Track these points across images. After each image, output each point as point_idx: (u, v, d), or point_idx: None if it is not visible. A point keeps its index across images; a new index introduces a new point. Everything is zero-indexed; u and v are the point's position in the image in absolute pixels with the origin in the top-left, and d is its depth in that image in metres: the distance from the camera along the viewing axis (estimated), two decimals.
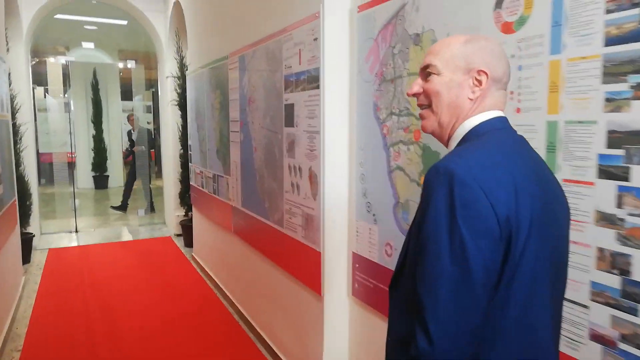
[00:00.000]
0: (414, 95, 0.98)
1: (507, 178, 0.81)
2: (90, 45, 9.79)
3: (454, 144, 0.95)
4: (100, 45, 9.60)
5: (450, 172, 0.80)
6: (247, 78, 3.06)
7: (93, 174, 10.31)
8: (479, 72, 0.91)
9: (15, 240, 3.90)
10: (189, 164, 4.86)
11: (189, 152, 4.85)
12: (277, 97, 2.59)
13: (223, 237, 3.89)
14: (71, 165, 7.92)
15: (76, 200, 6.80)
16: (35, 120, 8.46)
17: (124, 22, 7.31)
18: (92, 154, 10.23)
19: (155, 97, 11.68)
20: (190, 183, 4.86)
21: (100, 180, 10.34)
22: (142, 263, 4.90)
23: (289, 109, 2.46)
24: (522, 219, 0.80)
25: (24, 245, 4.67)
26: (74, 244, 5.75)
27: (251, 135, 3.02)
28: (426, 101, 0.96)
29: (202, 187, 4.33)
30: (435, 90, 0.94)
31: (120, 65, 10.67)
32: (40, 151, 8.08)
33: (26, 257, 4.81)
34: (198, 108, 4.33)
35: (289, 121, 2.46)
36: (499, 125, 0.92)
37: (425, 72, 0.96)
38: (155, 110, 11.09)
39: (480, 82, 0.91)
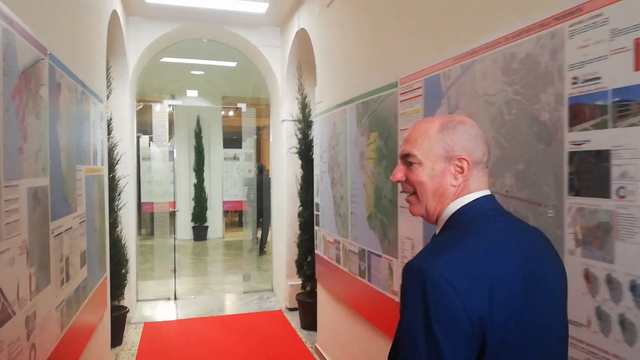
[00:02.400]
0: (397, 181, 1.00)
1: (483, 275, 0.82)
2: (194, 93, 9.50)
3: (440, 224, 0.97)
4: (204, 92, 9.22)
5: (423, 272, 0.82)
6: (445, 109, 1.92)
7: (192, 224, 9.78)
8: (460, 159, 0.94)
9: (103, 325, 3.00)
10: (315, 227, 3.79)
11: (315, 212, 3.78)
12: (543, 138, 1.40)
13: (374, 342, 2.68)
14: (172, 215, 7.32)
15: (176, 256, 6.05)
16: (139, 170, 8.14)
17: (233, 64, 6.69)
18: (193, 204, 9.72)
19: (259, 145, 11.14)
20: (316, 252, 3.77)
21: (200, 231, 9.77)
22: (252, 351, 3.82)
23: (589, 160, 1.25)
24: (497, 316, 0.81)
25: (117, 322, 3.81)
26: (172, 316, 4.86)
27: None
28: (411, 189, 0.98)
29: (338, 263, 3.20)
30: (419, 180, 0.96)
31: (223, 112, 10.31)
32: (142, 201, 7.67)
33: (118, 337, 3.94)
34: (334, 157, 3.27)
35: (591, 185, 1.24)
36: (485, 206, 0.94)
37: (406, 161, 0.97)
38: (258, 158, 10.45)
39: (462, 168, 0.94)
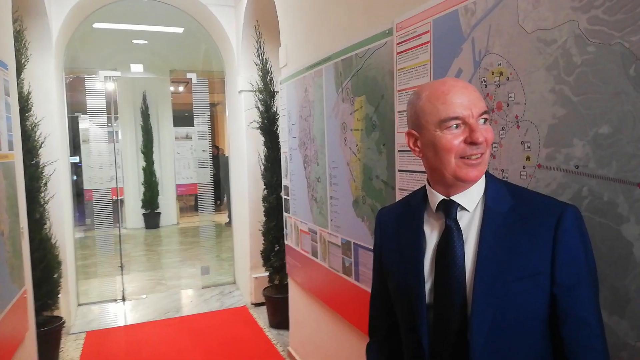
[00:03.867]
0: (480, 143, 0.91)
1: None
2: (139, 67, 8.58)
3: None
4: (149, 65, 8.34)
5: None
6: (469, 57, 1.42)
7: (143, 211, 8.99)
8: None
9: (25, 349, 2.39)
10: (284, 213, 3.26)
11: (284, 196, 3.25)
12: None
13: (360, 349, 2.22)
14: (118, 202, 6.56)
15: (124, 249, 5.36)
16: (79, 155, 7.26)
17: (180, 30, 5.93)
18: (143, 189, 8.92)
19: (214, 122, 10.39)
20: (286, 243, 3.25)
21: (151, 218, 9.00)
22: (215, 355, 3.29)
23: None
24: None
25: (49, 339, 3.18)
26: (120, 320, 4.24)
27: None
28: (483, 149, 0.93)
29: (314, 257, 2.70)
30: (492, 138, 0.94)
31: (172, 88, 9.45)
32: (85, 188, 6.86)
33: (52, 355, 3.30)
34: (306, 131, 2.73)
35: None
36: None
37: (482, 119, 0.92)
38: (213, 137, 9.77)
39: None
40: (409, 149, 1.72)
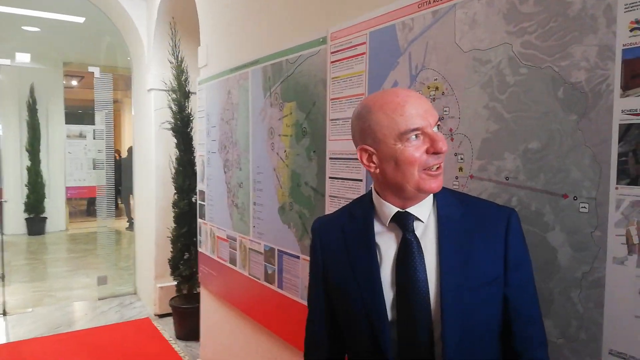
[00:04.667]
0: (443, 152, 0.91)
1: None
2: (26, 57, 7.72)
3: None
4: (40, 55, 7.56)
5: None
6: (405, 71, 1.47)
7: (26, 215, 8.07)
8: None
9: None
10: (198, 220, 3.12)
11: (199, 201, 3.11)
12: (574, 106, 1.04)
13: (280, 357, 2.19)
14: None
15: (4, 257, 4.76)
16: None
17: (81, 20, 5.46)
18: (26, 191, 8.01)
19: (117, 120, 9.70)
20: (199, 250, 3.11)
21: (36, 223, 8.12)
22: None
23: None
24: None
25: None
26: (2, 338, 3.74)
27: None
28: (442, 159, 0.92)
29: (233, 265, 2.61)
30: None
31: (65, 81, 8.65)
32: None
33: None
34: (228, 134, 2.65)
35: None
36: None
37: (435, 126, 0.91)
38: (114, 137, 9.11)
39: None
40: (340, 157, 1.76)
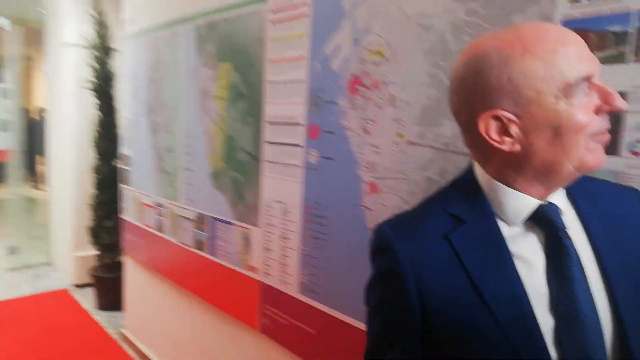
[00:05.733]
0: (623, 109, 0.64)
1: None
2: None
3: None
4: None
5: None
6: (347, 34, 1.45)
7: None
8: None
9: None
10: (122, 185, 2.94)
11: (123, 166, 2.93)
12: None
13: (212, 325, 2.16)
14: None
15: None
16: None
17: None
18: None
19: (27, 78, 8.80)
20: (123, 217, 2.95)
21: None
22: (31, 347, 2.84)
23: None
24: None
25: None
26: None
27: (355, 157, 1.42)
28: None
29: (160, 232, 2.50)
30: None
31: None
32: None
33: None
34: (156, 95, 2.49)
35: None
36: None
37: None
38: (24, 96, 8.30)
39: None
40: (278, 121, 1.69)
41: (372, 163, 1.39)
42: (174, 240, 2.39)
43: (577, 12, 0.96)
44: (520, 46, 0.61)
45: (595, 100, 0.61)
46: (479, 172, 0.71)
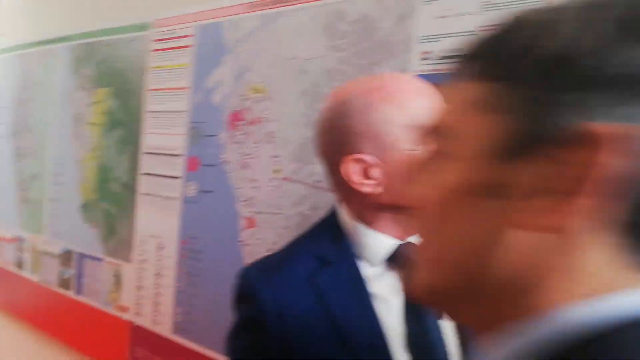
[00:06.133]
0: None
1: None
2: None
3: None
4: None
5: None
6: (228, 71, 1.47)
7: None
8: None
9: None
10: None
11: None
12: None
13: None
14: None
15: None
16: None
17: None
18: None
19: None
20: None
21: None
22: None
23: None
24: None
25: None
26: None
27: (234, 191, 1.42)
28: None
29: (18, 269, 2.24)
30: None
31: None
32: None
33: None
34: (22, 117, 2.27)
35: None
36: None
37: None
38: None
39: None
40: (157, 152, 1.64)
41: (250, 198, 1.40)
42: (35, 279, 2.15)
43: (427, 68, 1.08)
44: (381, 94, 0.65)
45: None
46: (343, 213, 0.73)
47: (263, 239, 1.36)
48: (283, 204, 1.33)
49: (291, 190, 1.32)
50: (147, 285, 1.66)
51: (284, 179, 1.33)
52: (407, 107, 0.64)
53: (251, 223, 1.40)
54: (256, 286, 0.69)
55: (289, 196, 1.32)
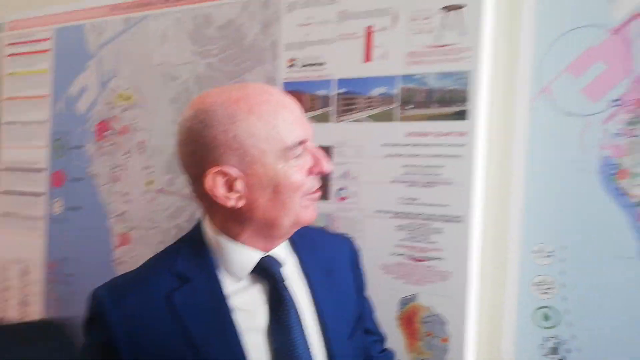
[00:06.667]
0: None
1: None
2: None
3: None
4: None
5: None
6: (93, 77, 1.36)
7: None
8: None
9: None
10: None
11: None
12: None
13: None
14: None
15: None
16: None
17: None
18: None
19: None
20: None
21: None
22: None
23: None
24: None
25: None
26: None
27: (104, 206, 1.33)
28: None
29: None
30: None
31: None
32: None
33: None
34: None
35: None
36: None
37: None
38: None
39: None
40: (18, 167, 1.47)
41: (122, 212, 1.31)
42: None
43: (293, 75, 1.09)
44: (246, 105, 0.63)
45: (308, 162, 0.66)
46: (207, 226, 0.71)
47: (139, 256, 1.28)
48: (158, 217, 1.26)
49: (166, 202, 1.25)
50: (11, 316, 1.49)
51: (158, 191, 1.27)
52: (272, 121, 0.63)
53: (125, 239, 1.31)
54: (106, 308, 0.65)
55: (165, 209, 1.25)
